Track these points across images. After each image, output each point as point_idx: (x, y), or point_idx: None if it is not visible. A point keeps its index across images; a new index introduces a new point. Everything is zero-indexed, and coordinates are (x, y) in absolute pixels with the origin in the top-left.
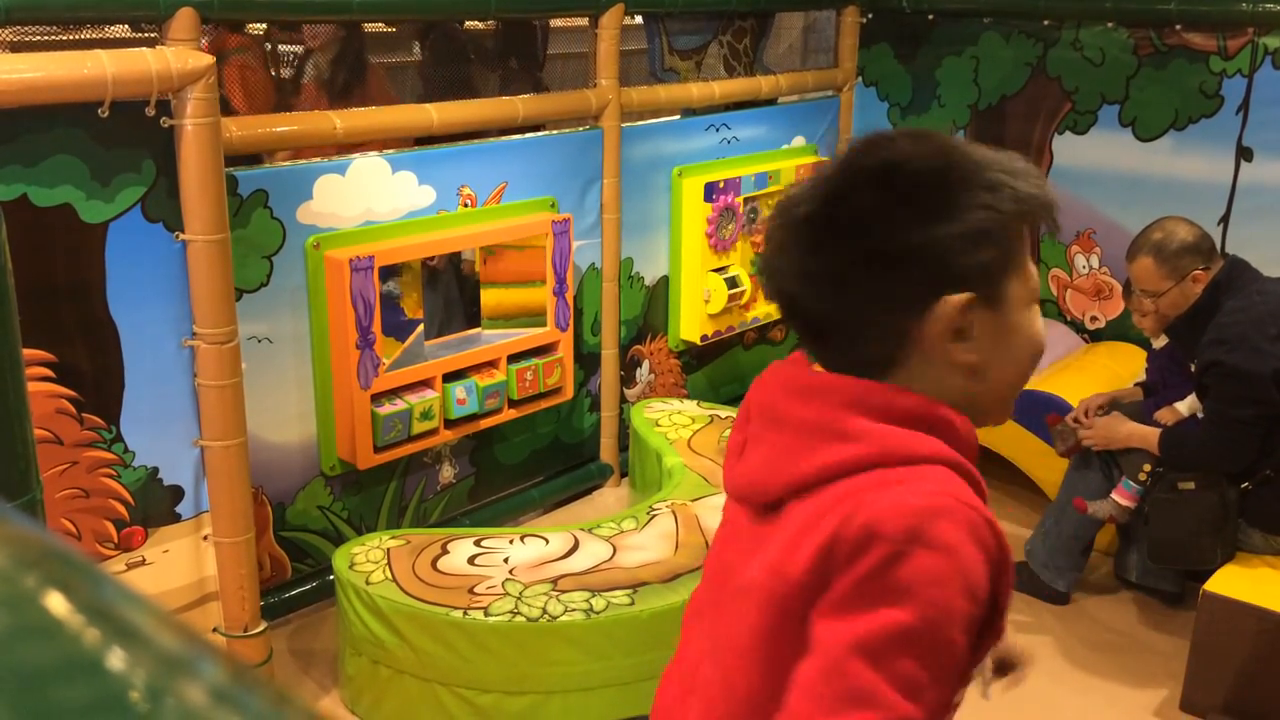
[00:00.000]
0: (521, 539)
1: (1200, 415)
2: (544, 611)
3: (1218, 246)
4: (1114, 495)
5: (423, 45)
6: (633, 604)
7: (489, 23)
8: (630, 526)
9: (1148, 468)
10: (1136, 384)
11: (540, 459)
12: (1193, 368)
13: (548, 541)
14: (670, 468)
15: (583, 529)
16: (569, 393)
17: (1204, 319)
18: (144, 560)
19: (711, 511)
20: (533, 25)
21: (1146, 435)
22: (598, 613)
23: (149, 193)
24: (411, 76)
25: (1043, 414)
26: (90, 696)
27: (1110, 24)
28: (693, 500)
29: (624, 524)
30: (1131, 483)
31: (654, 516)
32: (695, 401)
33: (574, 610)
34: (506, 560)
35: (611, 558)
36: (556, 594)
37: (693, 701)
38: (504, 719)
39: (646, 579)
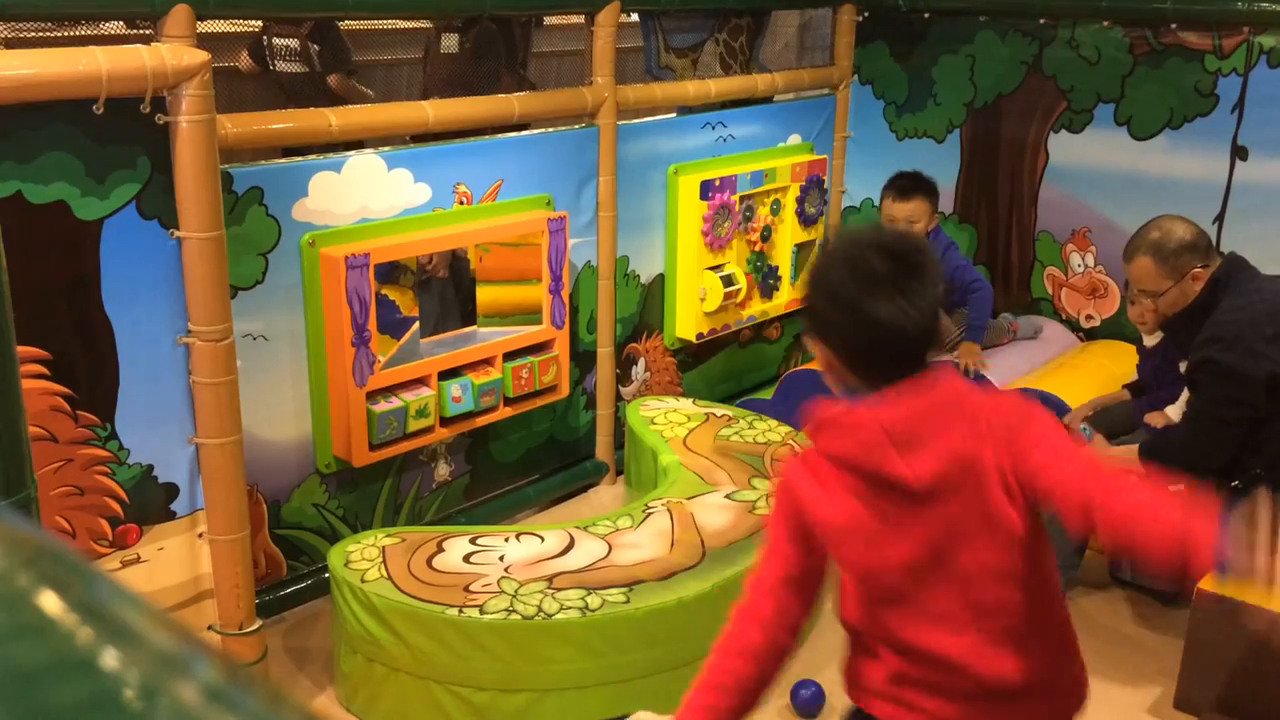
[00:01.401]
0: (517, 537)
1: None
2: (539, 609)
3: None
4: None
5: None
6: (628, 602)
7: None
8: (626, 524)
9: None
10: (1124, 386)
11: (536, 457)
12: (1185, 365)
13: (543, 539)
14: (666, 466)
15: (578, 527)
16: (565, 390)
17: (1202, 317)
18: (139, 558)
19: (706, 509)
20: (511, 23)
21: (1126, 457)
22: (593, 610)
23: (144, 190)
24: (397, 75)
25: None
26: (84, 696)
27: (1106, 23)
28: (688, 498)
29: (619, 522)
30: None
31: (649, 514)
32: (691, 399)
33: (569, 608)
34: (502, 558)
35: (607, 555)
36: (552, 592)
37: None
38: (499, 717)
39: (642, 577)
